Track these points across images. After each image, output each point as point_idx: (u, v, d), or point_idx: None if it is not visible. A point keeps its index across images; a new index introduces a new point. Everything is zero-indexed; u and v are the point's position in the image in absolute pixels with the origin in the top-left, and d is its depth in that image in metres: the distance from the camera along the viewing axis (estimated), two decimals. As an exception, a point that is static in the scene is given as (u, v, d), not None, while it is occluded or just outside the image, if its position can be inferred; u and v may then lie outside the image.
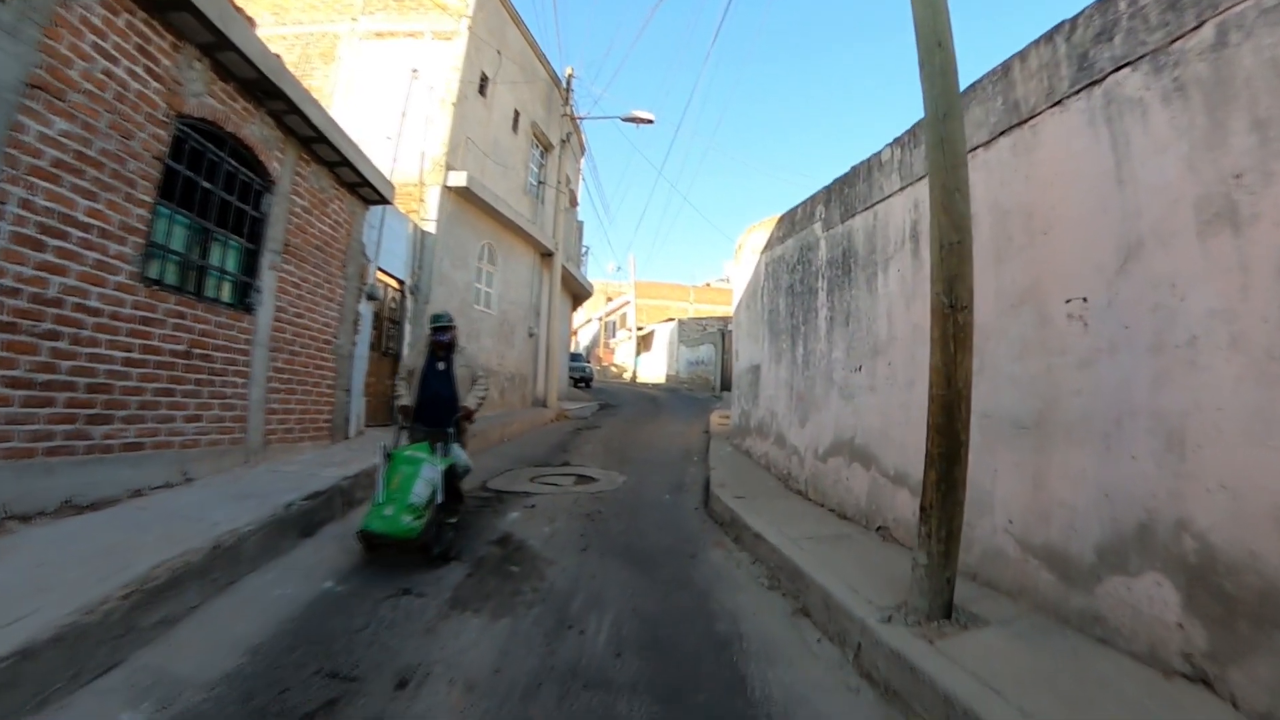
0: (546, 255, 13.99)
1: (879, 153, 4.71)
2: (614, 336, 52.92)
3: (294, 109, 5.62)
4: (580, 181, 21.44)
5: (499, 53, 11.64)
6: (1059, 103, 3.20)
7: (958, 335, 2.74)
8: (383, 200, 7.52)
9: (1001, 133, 3.56)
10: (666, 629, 3.13)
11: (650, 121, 14.94)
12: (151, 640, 2.81)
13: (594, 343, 53.13)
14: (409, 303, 9.06)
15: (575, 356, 31.87)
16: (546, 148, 14.49)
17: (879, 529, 4.23)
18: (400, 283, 8.88)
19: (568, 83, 14.99)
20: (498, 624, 3.13)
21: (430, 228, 9.47)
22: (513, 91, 12.29)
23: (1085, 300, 2.94)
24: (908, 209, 4.24)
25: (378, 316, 8.23)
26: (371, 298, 7.61)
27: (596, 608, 3.35)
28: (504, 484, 6.64)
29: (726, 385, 27.71)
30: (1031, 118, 3.37)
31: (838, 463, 4.97)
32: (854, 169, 5.11)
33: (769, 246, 7.18)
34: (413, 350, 4.96)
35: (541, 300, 13.88)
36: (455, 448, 4.31)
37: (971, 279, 2.84)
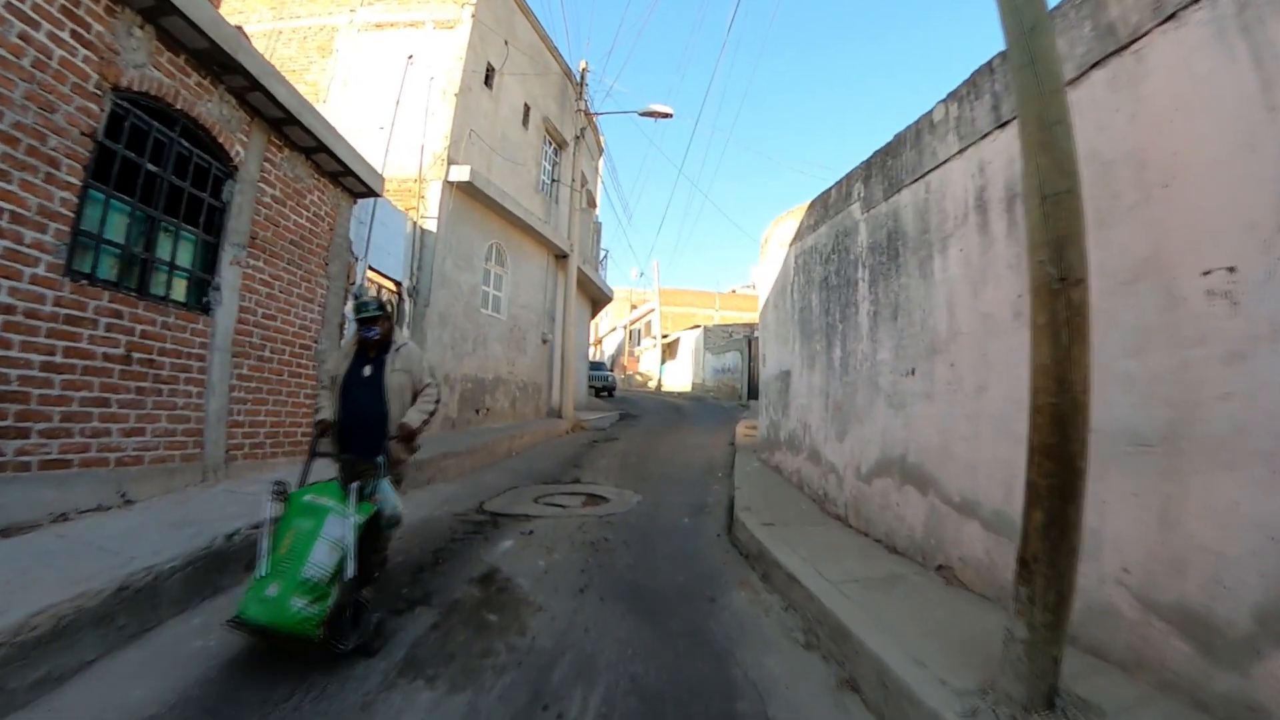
0: (561, 257, 13.42)
1: (929, 112, 3.98)
2: (639, 345, 52.51)
3: (255, 85, 5.09)
4: (599, 183, 20.93)
5: (506, 43, 11.14)
6: (1171, 17, 2.48)
7: (1072, 320, 2.01)
8: (370, 192, 6.99)
9: (1093, 65, 2.82)
10: (673, 712, 2.42)
11: (669, 115, 14.34)
12: (26, 704, 2.27)
13: (619, 351, 52.77)
14: (407, 306, 8.53)
15: (597, 365, 31.40)
16: (560, 144, 13.96)
17: (940, 568, 3.46)
18: (396, 284, 8.35)
19: (581, 77, 14.46)
20: (453, 700, 2.46)
21: (431, 226, 8.94)
22: (522, 84, 11.78)
23: (1232, 271, 2.19)
24: (970, 174, 3.50)
25: (370, 321, 7.71)
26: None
27: (585, 677, 2.67)
28: (503, 505, 6.00)
29: (753, 394, 26.85)
30: (1134, 41, 2.64)
31: (885, 484, 4.21)
32: (898, 136, 4.38)
33: (798, 237, 6.45)
34: (337, 352, 3.69)
35: (556, 304, 13.29)
36: (384, 485, 3.11)
37: (1085, 242, 2.10)
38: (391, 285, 8.30)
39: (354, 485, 2.89)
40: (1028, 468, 2.07)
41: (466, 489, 6.72)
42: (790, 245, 6.72)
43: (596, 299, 18.21)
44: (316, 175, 6.39)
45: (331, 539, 2.64)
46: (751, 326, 35.22)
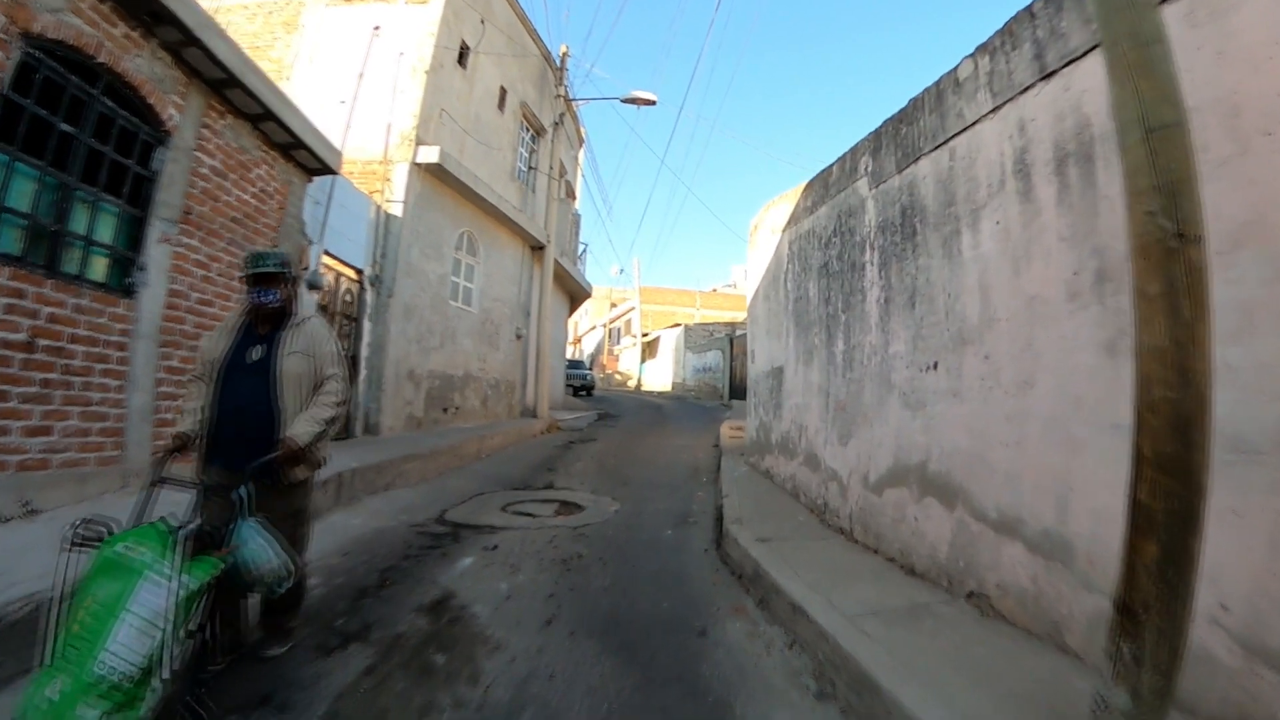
0: (537, 248, 12.81)
1: (953, 70, 3.50)
2: (618, 343, 52.08)
3: (192, 39, 4.48)
4: (579, 174, 20.38)
5: (483, 21, 10.53)
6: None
7: (1193, 288, 1.52)
8: (326, 169, 6.37)
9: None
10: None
11: (652, 103, 13.83)
12: None
13: (598, 350, 52.26)
14: (369, 296, 7.89)
15: (575, 363, 30.84)
16: (538, 131, 13.36)
17: (971, 596, 2.97)
18: (358, 272, 7.72)
19: (561, 61, 13.89)
20: (375, 785, 1.90)
21: (397, 211, 8.31)
22: (498, 66, 11.17)
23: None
24: (1006, 136, 3.02)
25: (324, 310, 7.06)
26: (314, 287, 6.44)
27: (547, 744, 2.12)
28: (467, 514, 5.42)
29: (735, 393, 26.47)
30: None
31: (899, 495, 3.72)
32: (914, 100, 3.89)
33: (794, 221, 5.97)
34: (217, 331, 2.73)
35: (531, 298, 12.69)
36: (248, 529, 2.15)
37: (1200, 190, 1.61)
38: (352, 273, 7.67)
39: (187, 528, 1.97)
40: (1134, 485, 1.57)
41: (428, 495, 6.13)
42: (784, 231, 6.23)
43: (575, 294, 17.62)
44: (265, 147, 5.77)
45: (143, 615, 1.73)
46: (734, 325, 34.91)
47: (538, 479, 7.21)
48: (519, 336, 12.12)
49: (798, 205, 5.89)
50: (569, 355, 45.53)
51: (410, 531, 4.86)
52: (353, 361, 7.62)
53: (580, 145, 21.48)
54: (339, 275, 7.37)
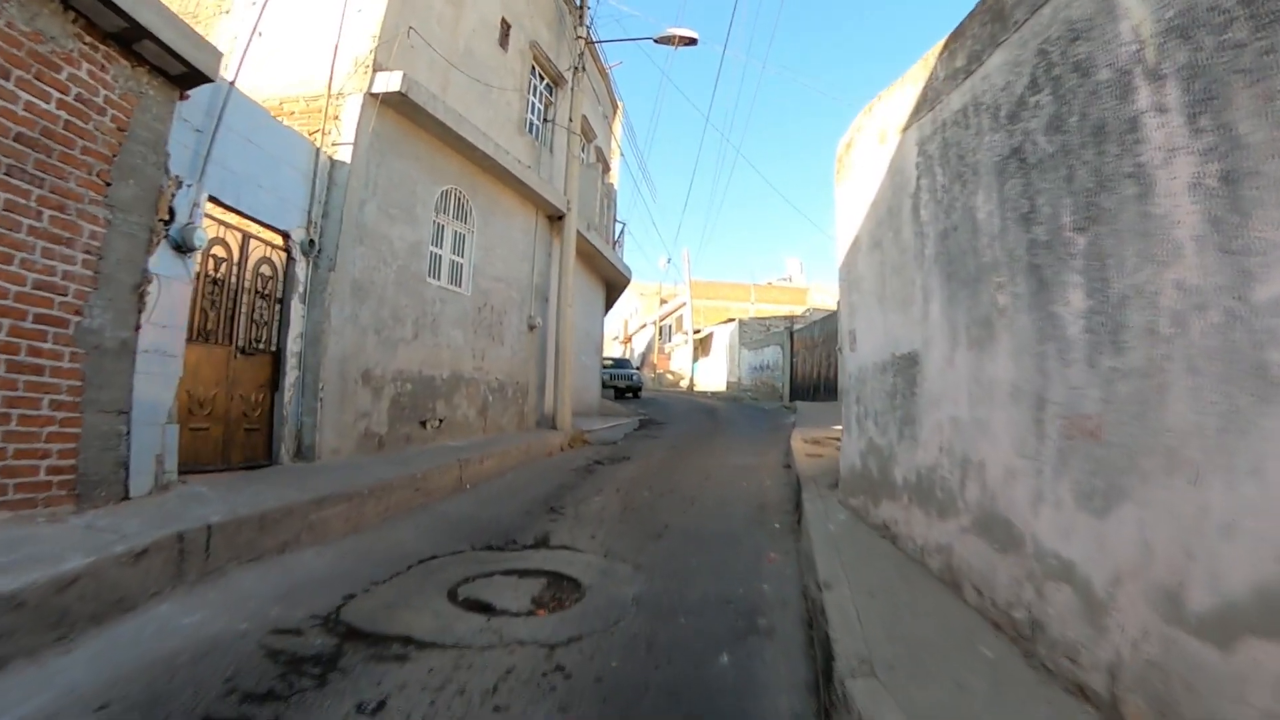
0: (556, 219, 10.65)
1: None
2: (669, 341, 50.06)
3: None
4: (614, 146, 18.30)
5: (475, -71, 8.46)
6: None
7: None
8: (197, 75, 4.35)
9: None
10: None
11: (693, 41, 11.60)
12: None
13: (649, 349, 50.37)
14: (301, 269, 5.87)
15: (621, 362, 28.86)
16: (555, 80, 11.21)
17: None
18: (283, 236, 5.70)
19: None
20: None
21: (344, 156, 6.27)
22: (499, -10, 9.08)
23: None
24: None
25: (217, 285, 5.06)
26: (185, 247, 4.43)
27: None
28: (380, 607, 3.30)
29: (797, 393, 23.81)
30: None
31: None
32: None
33: (927, 105, 3.59)
34: None
35: (551, 280, 10.53)
36: None
37: None
38: (274, 237, 5.66)
39: None
40: None
41: (345, 562, 4.04)
42: (906, 129, 3.85)
43: (612, 280, 15.38)
44: (87, 36, 3.82)
45: None
46: (792, 319, 32.20)
47: (530, 528, 5.02)
48: (532, 327, 9.97)
49: (933, 76, 3.50)
50: (615, 354, 43.88)
51: (257, 651, 2.77)
52: (275, 359, 5.60)
53: (616, 113, 19.40)
54: (247, 237, 5.36)
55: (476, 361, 8.47)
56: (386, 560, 4.07)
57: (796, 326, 27.13)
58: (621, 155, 26.59)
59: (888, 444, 4.07)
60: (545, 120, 10.96)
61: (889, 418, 4.05)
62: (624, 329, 64.32)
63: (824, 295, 45.45)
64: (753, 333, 33.76)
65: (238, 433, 5.21)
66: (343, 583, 3.63)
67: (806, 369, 23.28)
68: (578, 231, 11.49)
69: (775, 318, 35.76)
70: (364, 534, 4.64)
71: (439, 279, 7.86)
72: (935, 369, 3.46)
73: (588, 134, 13.80)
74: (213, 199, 4.76)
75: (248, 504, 4.08)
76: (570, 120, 10.89)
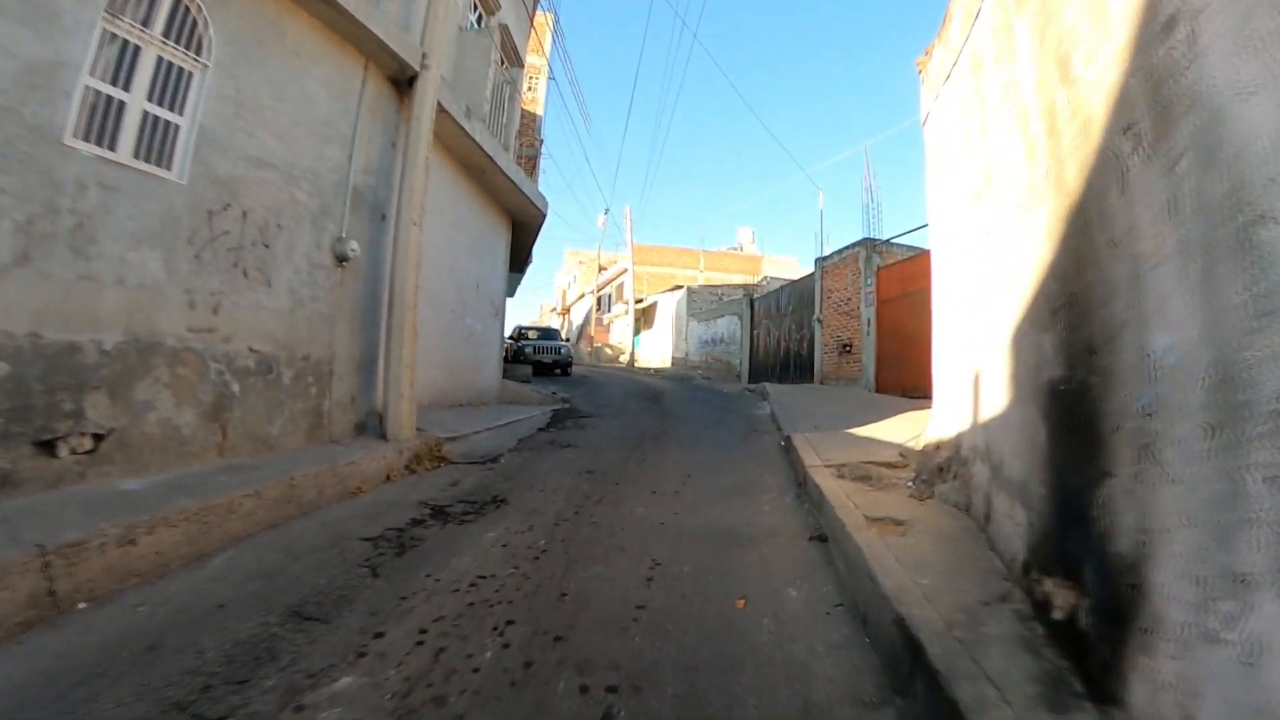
0: (404, 83, 6.52)
1: None
2: (609, 311, 46.27)
3: None
4: (541, 58, 14.20)
5: None
6: None
7: None
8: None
9: None
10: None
11: None
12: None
13: (586, 320, 46.50)
14: None
15: (548, 333, 24.87)
16: None
17: None
18: None
19: None
20: None
21: None
22: None
23: None
24: None
25: None
26: None
27: None
28: None
29: (758, 373, 20.41)
30: None
31: None
32: None
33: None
34: None
35: (392, 183, 6.40)
36: None
37: None
38: None
39: None
40: None
41: None
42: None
43: (520, 212, 11.17)
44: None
45: None
46: (750, 288, 28.85)
47: None
48: (344, 259, 5.79)
49: None
50: (551, 325, 39.45)
51: None
52: None
53: (540, 12, 15.34)
54: None
55: (199, 315, 4.29)
56: None
57: (757, 295, 23.71)
58: (551, 78, 22.05)
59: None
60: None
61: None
62: (561, 299, 59.76)
63: (778, 267, 42.41)
64: (703, 302, 30.36)
65: None
66: None
67: (771, 343, 19.85)
68: (452, 118, 7.38)
69: (729, 286, 32.45)
70: None
71: (104, 144, 3.66)
72: None
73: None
74: None
75: None
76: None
